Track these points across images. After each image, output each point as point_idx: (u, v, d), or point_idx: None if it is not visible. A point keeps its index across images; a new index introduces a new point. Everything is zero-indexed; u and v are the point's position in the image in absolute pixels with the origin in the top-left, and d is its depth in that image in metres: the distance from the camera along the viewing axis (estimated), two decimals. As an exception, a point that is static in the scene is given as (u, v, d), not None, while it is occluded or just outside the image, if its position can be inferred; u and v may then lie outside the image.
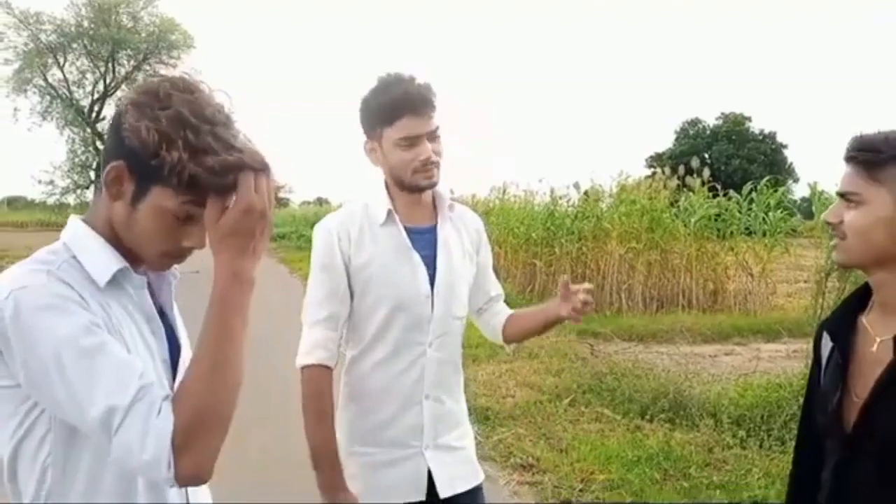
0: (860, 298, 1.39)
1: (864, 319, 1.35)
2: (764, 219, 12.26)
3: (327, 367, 1.83)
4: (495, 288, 2.09)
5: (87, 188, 21.75)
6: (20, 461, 1.04)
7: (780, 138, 48.03)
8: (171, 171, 1.02)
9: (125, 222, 1.09)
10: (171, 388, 1.12)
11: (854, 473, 1.29)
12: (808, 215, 14.32)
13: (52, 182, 21.20)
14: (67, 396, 0.97)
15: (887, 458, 1.24)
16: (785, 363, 6.34)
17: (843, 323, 1.38)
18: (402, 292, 1.82)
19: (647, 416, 4.94)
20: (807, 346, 5.36)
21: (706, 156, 45.65)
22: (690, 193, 12.66)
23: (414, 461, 1.84)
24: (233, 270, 1.03)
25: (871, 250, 1.27)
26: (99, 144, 21.42)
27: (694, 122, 50.87)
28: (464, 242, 1.95)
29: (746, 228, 12.73)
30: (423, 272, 1.84)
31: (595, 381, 5.79)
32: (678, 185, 12.94)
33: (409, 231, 1.86)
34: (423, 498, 1.83)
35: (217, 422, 0.99)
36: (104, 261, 1.09)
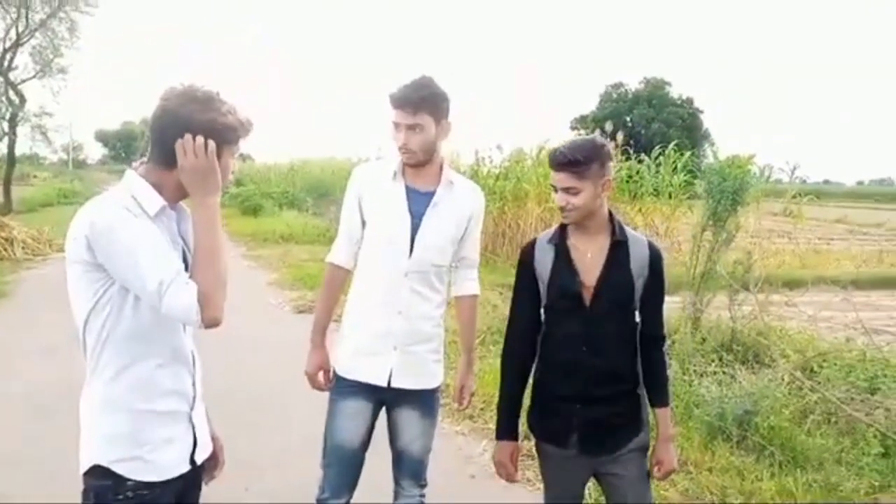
0: (562, 231, 2.23)
1: (572, 242, 2.21)
2: (670, 181, 13.15)
3: (338, 266, 2.54)
4: (471, 252, 2.59)
5: (0, 140, 20.88)
6: (90, 322, 1.64)
7: (696, 104, 49.78)
8: (234, 136, 1.70)
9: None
10: None
11: (598, 327, 2.16)
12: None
13: (-41, 133, 20.21)
14: (136, 276, 1.55)
15: (615, 315, 2.18)
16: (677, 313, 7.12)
17: (561, 243, 2.22)
18: (387, 232, 2.41)
19: (546, 353, 5.59)
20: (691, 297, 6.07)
21: (628, 119, 47.12)
22: (604, 156, 13.35)
23: (382, 356, 2.43)
24: (197, 202, 1.65)
25: (587, 212, 2.13)
26: (12, 94, 20.59)
27: (617, 86, 52.18)
28: (457, 209, 2.46)
29: (655, 190, 13.62)
30: (407, 221, 2.39)
31: (503, 325, 6.41)
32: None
33: (411, 190, 2.42)
34: (384, 384, 2.42)
35: (220, 286, 1.59)
36: (154, 199, 1.67)
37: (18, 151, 21.87)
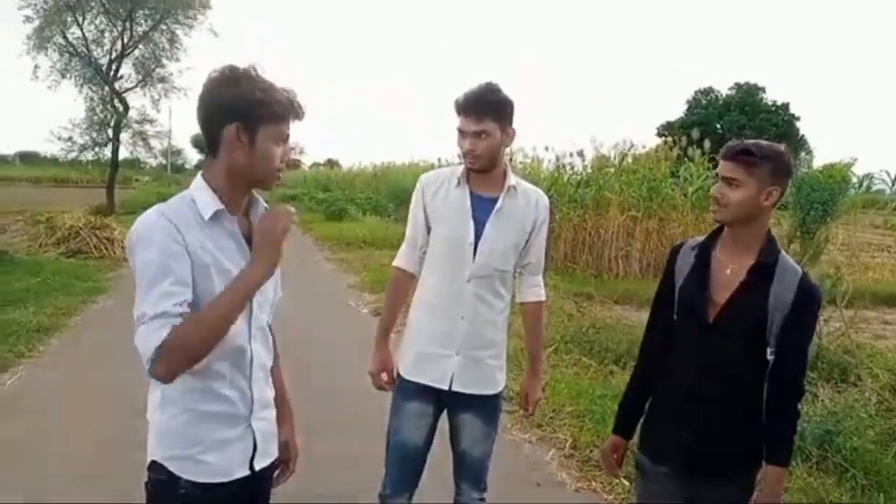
0: (711, 240, 2.11)
1: (717, 253, 2.07)
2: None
3: (403, 270, 2.61)
4: (535, 258, 2.58)
5: (105, 146, 22.03)
6: None
7: (792, 110, 47.73)
8: (268, 112, 1.61)
9: (248, 162, 1.63)
10: None
11: (717, 349, 2.01)
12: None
13: (70, 139, 21.46)
14: (137, 298, 1.53)
15: (739, 343, 1.99)
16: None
17: (703, 252, 2.09)
18: (451, 237, 2.46)
19: (620, 363, 5.53)
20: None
21: (718, 126, 45.65)
22: (690, 164, 13.04)
23: (444, 360, 2.47)
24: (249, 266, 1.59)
25: (741, 213, 1.97)
26: (117, 102, 21.76)
27: (707, 92, 50.61)
28: (521, 215, 2.48)
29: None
30: (471, 226, 2.43)
31: (578, 334, 6.39)
32: (678, 156, 13.30)
33: (475, 196, 2.46)
34: (445, 388, 2.46)
35: (186, 353, 1.50)
36: (208, 202, 1.64)
37: (121, 156, 23.04)
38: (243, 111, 1.60)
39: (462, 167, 2.48)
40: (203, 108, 1.64)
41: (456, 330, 2.46)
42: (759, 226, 2.00)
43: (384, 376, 2.61)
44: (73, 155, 21.86)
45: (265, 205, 1.79)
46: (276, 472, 1.93)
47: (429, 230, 2.53)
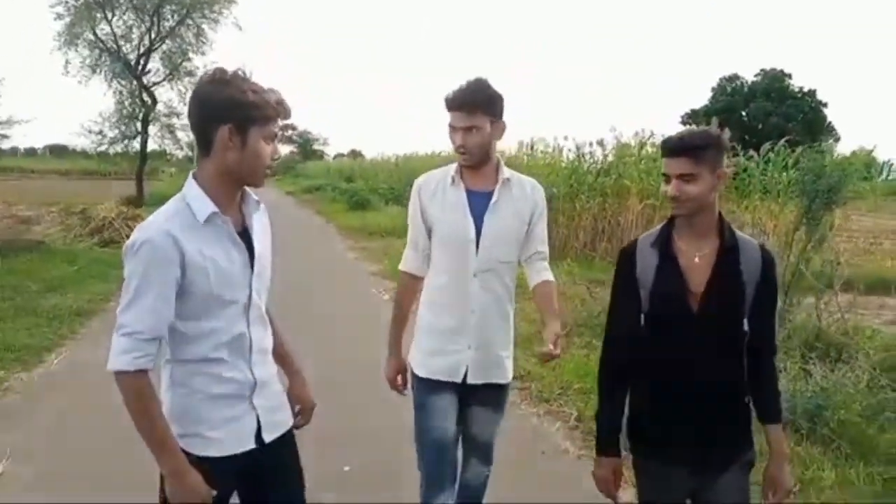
0: (666, 231, 2.11)
1: (678, 244, 2.08)
2: (779, 179, 12.73)
3: (409, 274, 2.66)
4: (540, 246, 2.60)
5: (134, 138, 22.50)
6: None
7: (820, 96, 47.02)
8: (259, 113, 1.71)
9: (239, 162, 1.73)
10: (250, 282, 1.83)
11: (706, 337, 2.01)
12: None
13: (101, 132, 21.96)
14: (121, 300, 1.70)
15: (724, 323, 2.03)
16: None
17: (665, 245, 2.09)
18: (453, 235, 2.51)
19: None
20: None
21: (744, 113, 45.17)
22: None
23: (457, 355, 2.53)
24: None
25: (703, 204, 2.01)
26: (145, 96, 22.22)
27: (732, 79, 49.99)
28: (517, 206, 2.53)
29: (764, 188, 13.18)
30: (470, 223, 2.48)
31: (589, 318, 6.61)
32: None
33: (471, 192, 2.52)
34: (459, 381, 2.53)
35: (124, 397, 1.67)
36: (203, 206, 1.73)
37: (149, 148, 23.55)
38: (235, 112, 1.68)
39: (455, 165, 2.55)
40: (196, 109, 1.74)
41: (467, 324, 2.52)
42: (713, 209, 2.06)
43: (399, 379, 2.72)
44: (103, 148, 22.33)
45: (256, 198, 1.91)
46: (297, 420, 2.09)
47: (429, 231, 2.58)
